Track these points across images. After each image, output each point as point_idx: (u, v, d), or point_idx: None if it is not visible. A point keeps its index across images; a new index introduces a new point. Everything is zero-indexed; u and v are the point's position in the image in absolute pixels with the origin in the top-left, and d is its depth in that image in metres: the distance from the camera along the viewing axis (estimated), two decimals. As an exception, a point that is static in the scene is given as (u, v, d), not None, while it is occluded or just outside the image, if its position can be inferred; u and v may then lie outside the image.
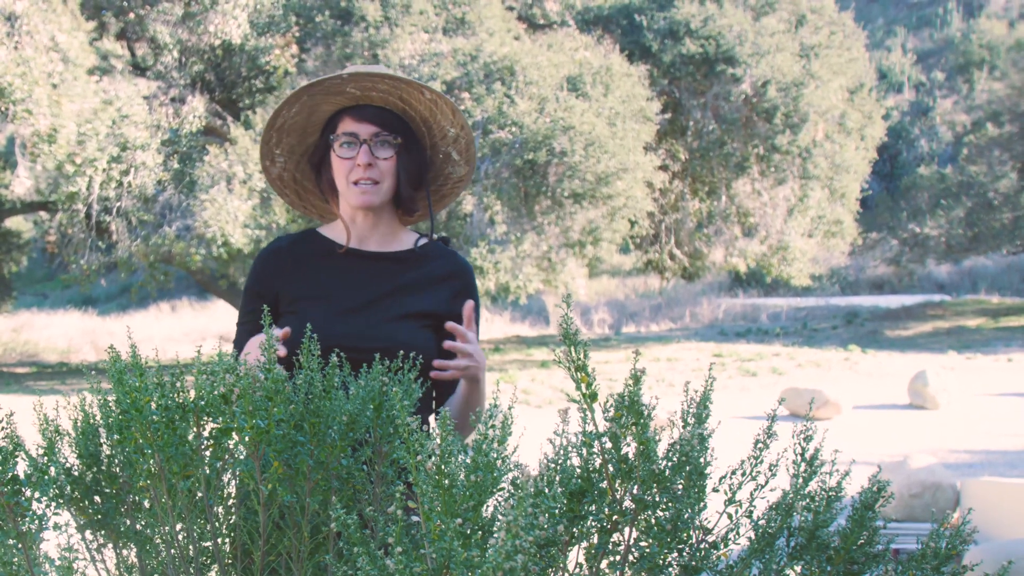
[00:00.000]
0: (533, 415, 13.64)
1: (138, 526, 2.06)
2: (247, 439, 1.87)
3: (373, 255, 2.73)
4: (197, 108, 18.37)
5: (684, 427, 1.93)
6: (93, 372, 2.12)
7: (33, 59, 15.57)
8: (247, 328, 2.66)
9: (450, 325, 2.49)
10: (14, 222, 24.95)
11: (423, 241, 2.78)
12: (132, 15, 19.60)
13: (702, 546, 1.94)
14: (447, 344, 2.46)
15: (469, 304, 2.55)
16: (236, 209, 16.74)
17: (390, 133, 2.67)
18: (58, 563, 1.83)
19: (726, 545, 1.97)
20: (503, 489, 1.67)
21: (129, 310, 30.37)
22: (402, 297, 2.67)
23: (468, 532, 1.57)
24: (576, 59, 17.98)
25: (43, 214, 22.13)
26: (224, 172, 17.12)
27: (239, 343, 2.64)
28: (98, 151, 16.32)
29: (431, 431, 1.72)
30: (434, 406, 2.65)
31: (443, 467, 1.60)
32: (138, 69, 20.12)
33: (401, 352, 2.21)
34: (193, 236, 17.34)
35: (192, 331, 26.08)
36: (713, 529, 1.96)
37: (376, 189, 2.66)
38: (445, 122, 2.74)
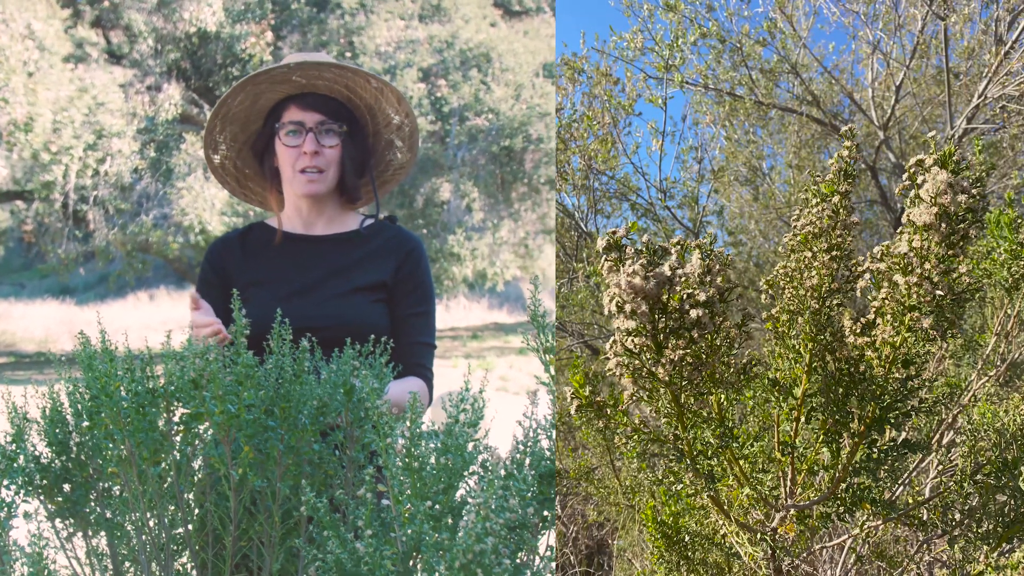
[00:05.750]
0: (511, 401, 13.64)
1: (108, 513, 2.05)
2: (217, 424, 1.87)
3: (320, 238, 2.75)
4: (173, 96, 18.25)
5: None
6: (63, 359, 2.11)
7: (9, 47, 15.45)
8: None
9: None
10: (-10, 212, 24.77)
11: (369, 222, 2.80)
12: (107, 3, 19.44)
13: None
14: None
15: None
16: (213, 197, 16.68)
17: (335, 121, 2.69)
18: (28, 551, 1.83)
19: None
20: (474, 472, 1.67)
21: (107, 299, 30.13)
22: (349, 274, 2.69)
23: (438, 515, 1.57)
24: (552, 45, 17.96)
25: (19, 203, 21.97)
26: (201, 160, 17.05)
27: None
28: (74, 139, 16.22)
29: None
30: None
31: (413, 450, 1.60)
32: (113, 57, 19.96)
33: (373, 337, 2.20)
34: (170, 224, 17.27)
35: (170, 320, 25.90)
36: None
37: (322, 178, 2.68)
38: (390, 109, 2.75)
